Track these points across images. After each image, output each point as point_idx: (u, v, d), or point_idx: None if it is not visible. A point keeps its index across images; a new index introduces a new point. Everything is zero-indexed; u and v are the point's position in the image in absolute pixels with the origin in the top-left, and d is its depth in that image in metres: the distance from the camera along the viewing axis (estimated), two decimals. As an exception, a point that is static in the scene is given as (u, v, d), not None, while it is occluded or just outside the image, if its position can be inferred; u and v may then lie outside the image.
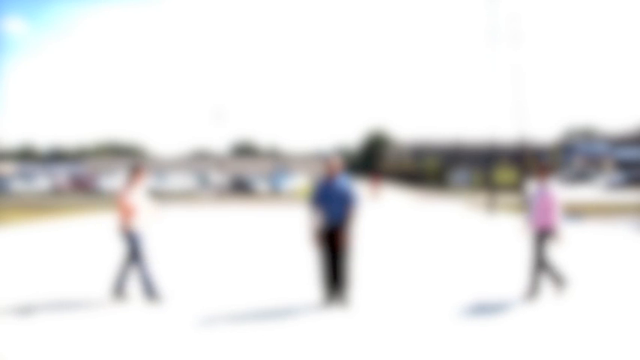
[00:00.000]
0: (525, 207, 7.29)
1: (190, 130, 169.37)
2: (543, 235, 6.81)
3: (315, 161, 73.24)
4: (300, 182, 53.35)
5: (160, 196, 31.25)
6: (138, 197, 6.82)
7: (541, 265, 6.82)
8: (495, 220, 17.98)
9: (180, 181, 47.21)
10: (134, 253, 6.69)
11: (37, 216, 19.88)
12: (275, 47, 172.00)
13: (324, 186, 6.61)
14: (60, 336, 5.42)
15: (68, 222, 17.87)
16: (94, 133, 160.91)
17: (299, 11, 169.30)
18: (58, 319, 6.00)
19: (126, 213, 6.70)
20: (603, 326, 5.67)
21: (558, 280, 6.85)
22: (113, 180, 44.67)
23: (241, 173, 59.63)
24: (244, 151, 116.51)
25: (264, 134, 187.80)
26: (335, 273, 6.55)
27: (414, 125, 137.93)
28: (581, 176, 60.91)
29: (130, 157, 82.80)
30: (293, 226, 15.50)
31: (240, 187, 41.63)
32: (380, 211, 22.06)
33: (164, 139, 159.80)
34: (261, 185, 42.64)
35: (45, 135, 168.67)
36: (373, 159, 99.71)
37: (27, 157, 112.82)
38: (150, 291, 6.64)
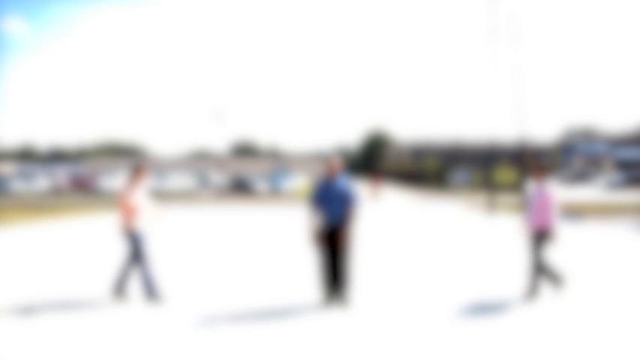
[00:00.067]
0: (525, 207, 7.28)
1: (190, 130, 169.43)
2: (541, 235, 6.81)
3: (315, 161, 73.23)
4: (300, 182, 53.34)
5: (160, 196, 31.25)
6: (140, 197, 6.81)
7: (539, 265, 6.82)
8: (495, 220, 17.98)
9: (180, 181, 47.21)
10: (136, 253, 6.69)
11: (37, 216, 19.88)
12: (275, 47, 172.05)
13: (324, 186, 6.62)
14: (60, 336, 5.43)
15: (68, 222, 17.87)
16: (94, 133, 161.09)
17: (299, 11, 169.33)
18: (58, 319, 6.00)
19: (128, 213, 6.68)
20: (603, 326, 5.67)
21: (556, 280, 6.85)
22: (113, 180, 44.67)
23: (241, 173, 59.63)
24: (244, 151, 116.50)
25: (264, 134, 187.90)
26: (335, 273, 6.55)
27: (414, 125, 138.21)
28: (581, 176, 60.91)
29: (130, 157, 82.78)
30: (293, 226, 15.50)
31: (240, 187, 41.63)
32: (380, 211, 22.06)
33: (164, 139, 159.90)
34: (261, 185, 42.64)
35: (45, 135, 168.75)
36: (373, 159, 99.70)
37: (27, 157, 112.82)
38: (150, 291, 6.64)
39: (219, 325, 5.78)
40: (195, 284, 7.86)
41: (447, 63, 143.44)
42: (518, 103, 25.23)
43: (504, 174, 42.92)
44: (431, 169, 57.61)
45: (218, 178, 50.08)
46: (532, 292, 6.80)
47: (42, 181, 48.62)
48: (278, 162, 73.75)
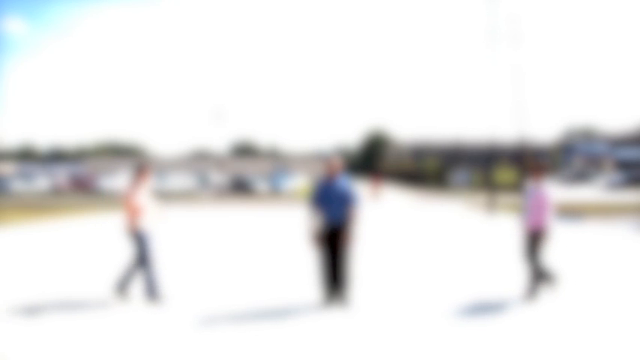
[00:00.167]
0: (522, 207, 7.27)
1: (190, 130, 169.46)
2: (535, 235, 6.79)
3: (315, 161, 73.23)
4: (300, 182, 53.34)
5: (160, 196, 31.25)
6: (144, 197, 6.80)
7: (537, 265, 6.81)
8: (495, 220, 17.98)
9: (180, 181, 47.19)
10: (141, 254, 6.66)
11: (37, 216, 19.88)
12: (275, 47, 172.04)
13: (324, 186, 6.62)
14: (60, 336, 5.43)
15: (68, 222, 17.87)
16: (94, 133, 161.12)
17: (299, 11, 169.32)
18: (58, 319, 6.01)
19: (133, 213, 6.66)
20: (602, 326, 5.67)
21: (549, 280, 6.82)
22: (113, 180, 44.66)
23: (241, 173, 59.62)
24: (244, 151, 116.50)
25: (264, 134, 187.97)
26: (335, 273, 6.55)
27: (414, 125, 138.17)
28: (581, 176, 60.90)
29: (130, 157, 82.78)
30: (293, 226, 15.51)
31: (240, 187, 41.63)
32: (380, 211, 22.06)
33: (164, 139, 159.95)
34: (261, 185, 42.63)
35: (45, 135, 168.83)
36: (373, 159, 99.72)
37: (27, 157, 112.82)
38: (152, 291, 6.63)
39: (220, 325, 5.78)
40: (196, 284, 7.86)
41: (447, 63, 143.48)
42: (518, 103, 25.24)
43: (504, 174, 42.92)
44: (431, 169, 57.61)
45: (218, 178, 50.08)
46: (531, 291, 6.80)
47: (42, 181, 48.59)
48: (278, 162, 73.75)
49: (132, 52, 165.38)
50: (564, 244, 11.69)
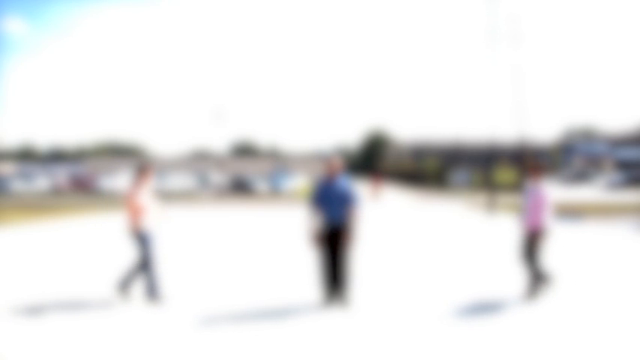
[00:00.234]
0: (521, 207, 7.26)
1: (190, 130, 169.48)
2: (534, 235, 6.78)
3: (315, 161, 73.23)
4: (300, 182, 53.33)
5: (161, 195, 31.26)
6: (146, 197, 6.78)
7: (536, 264, 6.80)
8: (495, 220, 17.98)
9: (180, 181, 47.19)
10: (144, 254, 6.65)
11: (37, 216, 19.88)
12: (275, 48, 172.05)
13: (324, 186, 6.62)
14: (60, 336, 5.43)
15: (68, 222, 17.87)
16: (94, 133, 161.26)
17: (299, 12, 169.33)
18: (58, 319, 6.01)
19: (135, 213, 6.64)
20: (602, 326, 5.68)
21: (544, 281, 6.80)
22: (113, 180, 44.66)
23: (241, 173, 59.63)
24: (244, 151, 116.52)
25: (264, 134, 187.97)
26: (335, 273, 6.55)
27: (414, 125, 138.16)
28: (581, 176, 60.89)
29: (130, 157, 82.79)
30: (293, 226, 15.51)
31: (240, 187, 41.63)
32: (380, 211, 22.06)
33: (164, 139, 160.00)
34: (261, 185, 42.62)
35: (45, 135, 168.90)
36: (373, 159, 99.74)
37: (27, 157, 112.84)
38: (152, 292, 6.63)
39: (220, 325, 5.78)
40: (196, 284, 7.86)
41: (447, 63, 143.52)
42: (518, 103, 25.25)
43: (504, 174, 42.93)
44: (431, 169, 57.60)
45: (218, 178, 50.08)
46: (531, 292, 6.80)
47: (42, 181, 48.58)
48: (278, 162, 73.75)
49: (132, 53, 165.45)
50: (564, 244, 11.69)
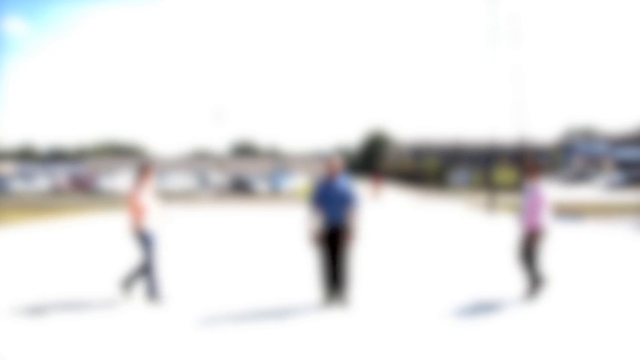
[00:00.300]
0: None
1: (190, 130, 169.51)
2: (532, 235, 6.77)
3: (315, 161, 73.25)
4: (300, 182, 53.34)
5: (160, 195, 31.26)
6: (148, 197, 6.75)
7: (534, 264, 6.79)
8: (495, 220, 17.99)
9: (180, 181, 47.19)
10: (147, 254, 6.63)
11: (37, 216, 19.89)
12: (275, 48, 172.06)
13: (324, 186, 6.62)
14: (60, 336, 5.43)
15: (68, 222, 17.88)
16: (94, 133, 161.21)
17: (299, 12, 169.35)
18: (58, 319, 6.01)
19: (137, 213, 6.62)
20: (602, 326, 5.68)
21: (540, 282, 6.78)
22: (113, 180, 44.67)
23: (241, 173, 59.64)
24: (244, 151, 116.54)
25: (264, 134, 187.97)
26: (335, 273, 6.56)
27: (414, 125, 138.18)
28: (581, 176, 60.90)
29: (130, 157, 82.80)
30: (293, 226, 15.51)
31: (240, 187, 41.63)
32: (380, 211, 22.07)
33: (164, 139, 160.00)
34: (261, 185, 42.63)
35: (45, 135, 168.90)
36: (373, 159, 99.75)
37: (27, 157, 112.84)
38: (153, 292, 6.63)
39: (220, 325, 5.78)
40: (196, 284, 7.86)
41: (447, 63, 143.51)
42: (518, 103, 25.26)
43: (504, 174, 42.93)
44: (431, 169, 57.60)
45: (218, 178, 50.08)
46: (530, 292, 6.79)
47: (42, 181, 48.58)
48: (278, 162, 73.77)
49: (132, 53, 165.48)
50: (564, 244, 11.69)
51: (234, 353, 4.92)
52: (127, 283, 6.77)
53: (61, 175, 55.73)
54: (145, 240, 6.62)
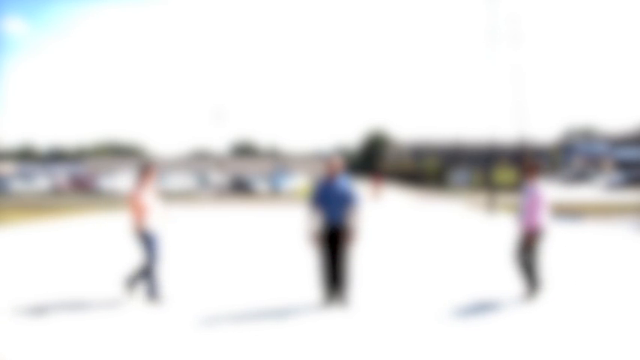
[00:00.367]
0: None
1: (190, 130, 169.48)
2: (530, 235, 6.77)
3: (315, 161, 73.27)
4: (300, 182, 53.35)
5: (160, 196, 31.27)
6: (149, 197, 6.74)
7: (533, 265, 6.79)
8: (495, 220, 17.99)
9: (180, 181, 47.19)
10: (148, 254, 6.63)
11: (36, 216, 19.89)
12: (275, 48, 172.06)
13: (324, 186, 6.62)
14: (60, 336, 5.43)
15: (68, 222, 17.88)
16: (93, 133, 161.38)
17: (299, 12, 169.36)
18: (58, 319, 6.01)
19: (139, 213, 6.61)
20: (601, 327, 5.68)
21: (537, 283, 6.78)
22: (113, 180, 44.66)
23: (241, 173, 59.65)
24: (244, 151, 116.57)
25: (264, 134, 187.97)
26: (335, 273, 6.56)
27: (413, 125, 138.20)
28: (581, 176, 60.90)
29: (129, 157, 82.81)
30: (293, 226, 15.51)
31: (240, 187, 41.63)
32: (380, 211, 22.07)
33: (164, 139, 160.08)
34: (261, 185, 42.63)
35: (45, 135, 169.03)
36: (373, 159, 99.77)
37: (27, 157, 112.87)
38: (153, 292, 6.63)
39: (220, 325, 5.78)
40: (196, 284, 7.87)
41: (447, 63, 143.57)
42: (518, 103, 25.26)
43: (504, 174, 42.93)
44: (431, 169, 57.60)
45: (218, 178, 50.08)
46: (531, 291, 6.79)
47: (42, 181, 48.57)
48: (278, 162, 73.78)
49: (132, 52, 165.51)
50: (564, 244, 11.70)
51: (234, 353, 4.92)
52: (131, 282, 6.76)
53: (61, 175, 55.73)
54: (146, 240, 6.62)
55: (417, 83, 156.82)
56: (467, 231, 14.89)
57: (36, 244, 12.46)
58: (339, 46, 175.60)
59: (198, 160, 76.20)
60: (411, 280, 8.14)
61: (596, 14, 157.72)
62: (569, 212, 19.80)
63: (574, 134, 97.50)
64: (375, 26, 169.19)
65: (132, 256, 9.74)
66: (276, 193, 41.30)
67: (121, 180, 44.06)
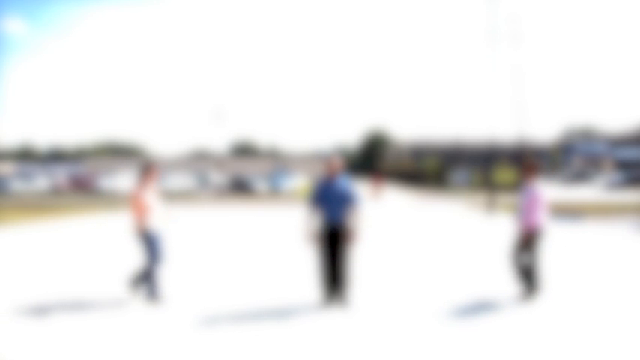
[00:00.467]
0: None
1: (190, 130, 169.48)
2: (528, 235, 6.77)
3: (315, 161, 73.28)
4: (300, 182, 53.36)
5: (160, 196, 31.24)
6: (151, 197, 6.74)
7: (532, 264, 6.79)
8: (495, 220, 17.99)
9: (180, 181, 47.19)
10: (150, 254, 6.62)
11: (36, 216, 19.88)
12: (274, 48, 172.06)
13: (324, 186, 6.62)
14: (60, 336, 5.43)
15: (68, 222, 17.88)
16: (93, 133, 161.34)
17: (299, 12, 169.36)
18: (58, 319, 6.01)
19: (141, 213, 6.61)
20: (601, 327, 5.68)
21: (532, 283, 6.78)
22: (113, 180, 44.66)
23: (241, 173, 59.65)
24: (244, 151, 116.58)
25: (264, 134, 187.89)
26: (335, 273, 6.56)
27: (413, 125, 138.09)
28: (581, 176, 60.91)
29: (129, 157, 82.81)
30: (293, 226, 15.51)
31: (240, 187, 41.63)
32: (380, 211, 22.07)
33: (164, 139, 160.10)
34: (261, 185, 42.63)
35: (44, 135, 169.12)
36: (373, 159, 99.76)
37: (27, 157, 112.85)
38: (153, 292, 6.63)
39: (220, 325, 5.79)
40: (196, 284, 7.87)
41: (447, 63, 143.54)
42: (518, 103, 25.27)
43: (504, 174, 42.94)
44: (431, 169, 57.61)
45: (218, 178, 50.08)
46: (531, 291, 6.80)
47: (41, 181, 48.58)
48: (278, 162, 73.79)
49: (132, 52, 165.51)
50: (564, 244, 11.70)
51: (234, 353, 4.92)
52: (135, 282, 6.76)
53: (60, 175, 55.73)
54: (148, 240, 6.62)
55: (416, 83, 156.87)
56: (466, 231, 14.89)
57: (36, 244, 12.46)
58: (339, 47, 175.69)
59: (198, 160, 76.21)
60: (410, 280, 8.15)
61: (595, 14, 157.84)
62: (568, 212, 19.81)
63: (574, 134, 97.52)
64: (375, 26, 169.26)
65: (132, 256, 9.74)
66: (275, 193, 41.30)
67: (121, 180, 44.06)
